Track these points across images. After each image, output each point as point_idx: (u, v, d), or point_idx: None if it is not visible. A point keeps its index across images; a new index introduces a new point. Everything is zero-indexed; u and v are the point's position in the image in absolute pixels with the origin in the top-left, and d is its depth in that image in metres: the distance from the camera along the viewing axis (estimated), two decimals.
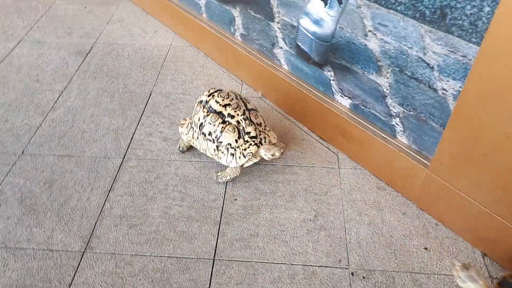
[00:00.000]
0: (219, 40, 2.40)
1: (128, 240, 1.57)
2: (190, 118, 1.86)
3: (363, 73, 1.70)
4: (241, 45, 2.29)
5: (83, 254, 1.53)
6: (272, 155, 1.70)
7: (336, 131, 1.92)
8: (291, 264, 1.51)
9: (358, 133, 1.82)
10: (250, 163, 1.76)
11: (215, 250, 1.54)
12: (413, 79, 1.53)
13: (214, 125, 1.72)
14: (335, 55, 1.78)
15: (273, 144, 1.77)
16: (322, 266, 1.51)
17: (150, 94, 2.27)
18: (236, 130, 1.70)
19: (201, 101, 1.80)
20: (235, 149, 1.71)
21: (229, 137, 1.70)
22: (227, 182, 1.78)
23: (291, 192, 1.76)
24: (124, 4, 3.15)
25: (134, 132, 2.03)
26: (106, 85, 2.34)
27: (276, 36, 2.05)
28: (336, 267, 1.50)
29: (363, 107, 1.79)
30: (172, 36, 2.77)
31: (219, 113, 1.73)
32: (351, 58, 1.71)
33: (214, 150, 1.75)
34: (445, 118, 1.48)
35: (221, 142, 1.72)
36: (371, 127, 1.78)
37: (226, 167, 1.78)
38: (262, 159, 1.76)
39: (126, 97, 2.25)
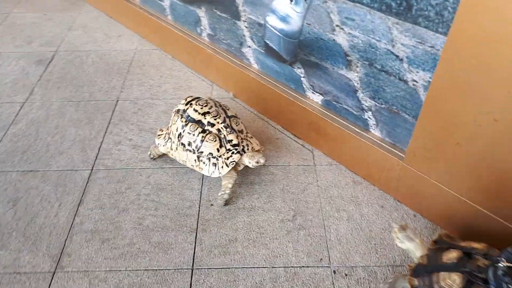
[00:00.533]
0: (186, 42, 2.34)
1: (101, 255, 1.50)
2: (167, 129, 1.79)
3: (333, 69, 1.68)
4: (209, 46, 2.24)
5: (53, 275, 1.45)
6: (257, 162, 1.63)
7: (310, 128, 1.90)
8: (272, 267, 1.47)
9: (332, 129, 1.80)
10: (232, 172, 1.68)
11: (193, 259, 1.49)
12: (383, 72, 1.52)
13: (194, 135, 1.64)
14: (304, 51, 1.76)
15: (257, 151, 1.70)
16: (303, 266, 1.48)
17: (117, 101, 2.19)
18: (217, 138, 1.64)
19: (178, 110, 1.73)
20: (217, 159, 1.64)
21: (210, 146, 1.63)
22: (228, 199, 1.66)
23: (268, 193, 1.72)
24: (86, 10, 3.04)
25: (102, 142, 1.95)
26: (70, 94, 2.24)
27: (244, 35, 2.01)
28: (317, 266, 1.48)
29: (335, 103, 1.77)
30: (137, 40, 2.69)
31: (198, 122, 1.66)
32: (320, 54, 1.69)
33: (195, 160, 1.67)
34: (417, 110, 1.48)
35: (201, 152, 1.64)
36: (344, 122, 1.76)
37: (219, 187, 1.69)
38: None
39: (92, 106, 2.16)
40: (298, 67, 1.83)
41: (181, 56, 2.47)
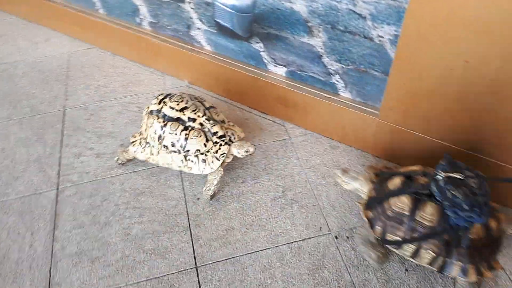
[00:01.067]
0: (125, 35, 2.18)
1: (95, 276, 1.39)
2: (141, 133, 1.66)
3: (294, 38, 1.65)
4: (153, 35, 2.10)
5: None
6: (246, 151, 1.55)
7: (278, 102, 1.87)
8: (276, 246, 1.45)
9: (300, 99, 1.78)
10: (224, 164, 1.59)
11: (194, 257, 1.43)
12: (347, 33, 1.51)
13: (176, 134, 1.53)
14: (260, 25, 1.70)
15: (242, 139, 1.62)
16: (305, 238, 1.48)
17: (64, 111, 2.01)
18: (201, 133, 1.53)
19: (151, 112, 1.60)
20: (205, 154, 1.54)
21: (196, 143, 1.53)
22: (213, 194, 1.58)
23: (252, 175, 1.68)
24: None
25: (60, 157, 1.78)
26: (8, 112, 2.01)
27: (191, 17, 1.91)
28: (319, 236, 1.48)
29: (300, 72, 1.75)
30: (68, 41, 2.46)
31: (178, 120, 1.55)
32: (279, 24, 1.65)
33: (182, 161, 1.56)
34: (386, 65, 1.50)
35: (188, 150, 1.54)
36: (312, 90, 1.75)
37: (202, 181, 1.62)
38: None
39: (37, 121, 1.96)
40: (256, 42, 1.78)
41: (122, 50, 2.30)
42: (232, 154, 1.58)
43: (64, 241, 1.49)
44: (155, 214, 1.56)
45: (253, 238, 1.48)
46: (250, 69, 1.87)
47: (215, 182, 1.56)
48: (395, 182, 1.32)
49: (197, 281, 1.37)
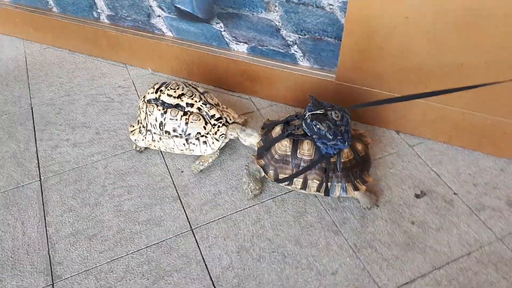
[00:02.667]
0: (82, 31, 2.22)
1: (95, 251, 1.45)
2: (139, 122, 1.73)
3: (253, 15, 1.80)
4: (113, 27, 2.16)
5: (53, 287, 1.37)
6: (248, 135, 1.64)
7: (243, 78, 2.01)
8: (262, 202, 1.59)
9: (263, 72, 1.94)
10: (223, 144, 1.70)
11: (188, 221, 1.53)
12: (300, 5, 1.68)
13: (177, 120, 1.62)
14: (220, 5, 1.83)
15: (237, 121, 1.74)
16: (287, 192, 1.62)
17: (31, 108, 2.01)
18: (200, 117, 1.63)
19: (149, 100, 1.67)
20: (205, 136, 1.65)
21: (196, 126, 1.63)
22: (203, 169, 1.68)
23: (229, 145, 1.81)
24: None
25: (37, 150, 1.80)
26: None
27: (150, 6, 1.99)
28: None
29: (260, 47, 1.90)
30: (21, 43, 2.44)
31: (177, 106, 1.63)
32: (237, 3, 1.79)
33: (184, 144, 1.66)
34: (338, 31, 1.69)
35: (189, 134, 1.64)
36: (274, 62, 1.91)
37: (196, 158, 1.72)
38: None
39: (4, 120, 1.95)
40: (217, 22, 1.90)
41: (81, 47, 2.32)
42: (229, 135, 1.68)
43: (57, 225, 1.53)
44: (143, 190, 1.64)
45: (239, 198, 1.61)
46: (213, 49, 1.99)
47: (210, 160, 1.68)
48: (276, 130, 1.53)
49: (195, 241, 1.47)
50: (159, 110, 1.63)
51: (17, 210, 1.58)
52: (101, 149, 1.80)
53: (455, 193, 1.61)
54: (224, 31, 1.92)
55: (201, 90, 1.73)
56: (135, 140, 1.72)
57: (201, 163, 1.68)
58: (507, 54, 1.44)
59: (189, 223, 1.53)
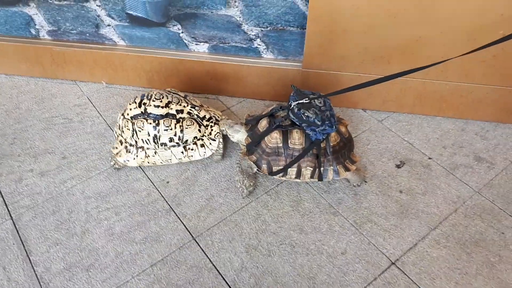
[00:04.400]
0: (21, 50, 2.03)
1: (97, 281, 1.35)
2: (122, 142, 1.62)
3: (212, 12, 1.77)
4: (55, 43, 2.00)
5: None
6: (235, 130, 1.61)
7: (207, 78, 1.97)
8: (257, 198, 1.58)
9: (227, 70, 1.92)
10: (220, 144, 1.66)
11: (188, 231, 1.48)
12: None
13: (172, 129, 1.55)
14: (176, 7, 1.77)
15: (223, 117, 1.71)
16: (279, 183, 1.64)
17: None
18: (193, 121, 1.58)
19: (134, 117, 1.56)
20: (202, 139, 1.61)
21: (191, 131, 1.57)
22: (221, 157, 1.69)
23: None
24: None
25: None
26: None
27: (98, 15, 1.88)
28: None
29: (222, 45, 1.88)
30: None
31: (167, 115, 1.55)
32: (195, 2, 1.74)
33: (182, 152, 1.59)
34: (300, 19, 1.72)
35: (186, 140, 1.58)
36: (237, 58, 1.90)
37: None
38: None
39: None
40: (174, 25, 1.84)
41: (20, 69, 2.12)
42: (222, 131, 1.66)
43: (45, 263, 1.40)
44: (132, 208, 1.55)
45: (234, 198, 1.59)
46: (171, 53, 1.93)
47: (221, 145, 1.66)
48: (263, 124, 1.54)
49: (200, 249, 1.43)
50: (150, 123, 1.55)
51: None
52: (73, 174, 1.67)
53: (429, 158, 1.73)
54: (182, 32, 1.87)
55: (182, 95, 1.68)
56: (124, 161, 1.62)
57: (218, 152, 1.66)
58: (458, 24, 1.57)
59: (189, 232, 1.48)
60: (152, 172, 1.68)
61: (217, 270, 1.38)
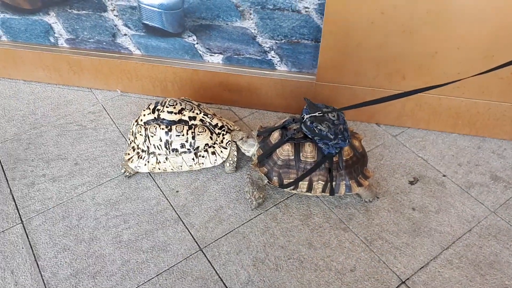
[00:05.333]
0: (39, 57, 2.07)
1: None
2: (135, 148, 1.64)
3: (227, 24, 1.78)
4: (73, 51, 2.04)
5: None
6: (246, 142, 1.62)
7: (220, 89, 1.98)
8: (266, 210, 1.57)
9: (241, 81, 1.92)
10: (232, 151, 1.67)
11: (196, 241, 1.47)
12: (276, 10, 1.69)
13: (184, 135, 1.56)
14: (192, 18, 1.79)
15: (236, 128, 1.74)
16: (289, 197, 1.62)
17: None
18: (205, 128, 1.59)
19: (147, 122, 1.58)
20: (213, 147, 1.61)
21: (203, 137, 1.58)
22: (234, 169, 1.69)
23: None
24: None
25: (11, 191, 1.65)
26: None
27: (115, 25, 1.91)
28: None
29: (237, 56, 1.89)
30: None
31: (180, 121, 1.57)
32: (210, 14, 1.76)
33: (193, 159, 1.60)
34: (314, 32, 1.72)
35: (197, 147, 1.59)
36: (251, 70, 1.90)
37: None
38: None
39: None
40: (189, 36, 1.86)
41: (38, 75, 2.17)
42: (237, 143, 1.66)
43: (53, 268, 1.40)
44: (140, 216, 1.55)
45: (243, 209, 1.57)
46: (186, 63, 1.94)
47: (235, 155, 1.66)
48: (275, 136, 1.52)
49: (207, 260, 1.42)
50: (163, 129, 1.56)
51: (3, 259, 1.43)
52: (84, 180, 1.69)
53: (444, 175, 1.69)
54: (197, 43, 1.88)
55: (196, 103, 1.69)
56: (135, 167, 1.63)
57: (231, 164, 1.67)
58: (475, 41, 1.54)
59: (196, 243, 1.47)
60: (162, 181, 1.68)
61: (223, 282, 1.36)
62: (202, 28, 1.81)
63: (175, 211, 1.57)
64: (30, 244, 1.47)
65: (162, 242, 1.47)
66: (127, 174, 1.67)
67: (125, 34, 1.93)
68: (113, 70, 2.03)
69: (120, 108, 2.04)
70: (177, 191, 1.64)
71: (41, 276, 1.38)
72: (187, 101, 1.66)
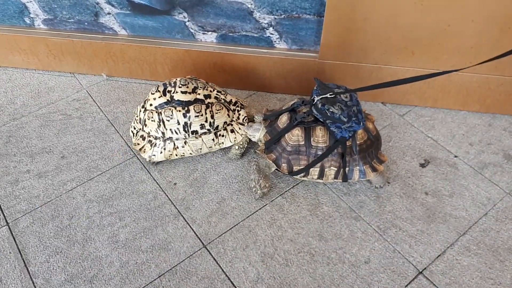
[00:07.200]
0: (15, 40, 1.89)
1: None
2: (145, 137, 1.51)
3: None
4: (53, 33, 1.86)
5: None
6: (259, 139, 1.51)
7: (215, 70, 1.84)
8: (271, 201, 1.47)
9: (237, 61, 1.78)
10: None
11: (199, 238, 1.37)
12: None
13: (203, 114, 1.45)
14: None
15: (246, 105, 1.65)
16: (294, 185, 1.52)
17: None
18: (222, 106, 1.49)
19: (160, 106, 1.44)
20: (231, 124, 1.52)
21: (221, 115, 1.49)
22: (240, 155, 1.59)
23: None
24: None
25: None
26: None
27: (97, 3, 1.74)
28: (302, 180, 1.54)
29: (232, 34, 1.74)
30: None
31: (196, 101, 1.45)
32: None
33: (213, 140, 1.50)
34: (317, 6, 1.58)
35: (217, 126, 1.49)
36: (248, 49, 1.77)
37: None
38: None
39: None
40: (179, 13, 1.71)
41: (14, 60, 1.99)
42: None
43: (45, 273, 1.29)
44: (137, 213, 1.44)
45: (247, 201, 1.47)
46: (177, 43, 1.79)
47: (247, 139, 1.58)
48: (283, 120, 1.41)
49: (212, 258, 1.32)
50: (180, 111, 1.43)
51: None
52: (73, 175, 1.56)
53: (455, 156, 1.61)
54: (188, 21, 1.73)
55: (204, 81, 1.57)
56: (150, 156, 1.51)
57: (239, 148, 1.56)
58: (490, 12, 1.43)
59: (200, 240, 1.37)
60: (158, 173, 1.56)
61: (231, 281, 1.27)
62: (193, 4, 1.66)
63: (174, 205, 1.46)
64: (18, 248, 1.36)
65: (162, 240, 1.37)
66: (153, 161, 1.56)
67: (109, 13, 1.77)
68: (97, 53, 1.87)
69: (107, 93, 1.89)
70: (175, 184, 1.53)
71: (33, 283, 1.27)
72: (196, 80, 1.53)
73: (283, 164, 1.41)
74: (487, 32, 1.48)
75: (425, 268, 1.30)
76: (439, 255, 1.33)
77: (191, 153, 1.52)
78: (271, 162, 1.42)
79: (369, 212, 1.44)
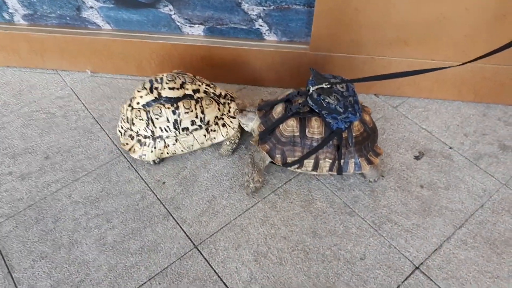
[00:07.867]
0: None
1: None
2: (133, 136, 1.45)
3: None
4: (34, 29, 1.80)
5: None
6: (253, 129, 1.49)
7: (203, 64, 1.78)
8: (263, 198, 1.43)
9: (226, 54, 1.73)
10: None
11: (189, 238, 1.33)
12: None
13: (193, 111, 1.40)
14: None
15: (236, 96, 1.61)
16: (287, 181, 1.48)
17: None
18: (212, 100, 1.44)
19: (148, 104, 1.38)
20: (222, 118, 1.47)
21: (212, 110, 1.44)
22: (232, 151, 1.55)
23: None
24: None
25: None
26: None
27: None
28: (296, 175, 1.50)
29: (219, 26, 1.69)
30: None
31: (185, 97, 1.40)
32: None
33: (205, 135, 1.45)
34: None
35: (208, 121, 1.44)
36: (236, 42, 1.72)
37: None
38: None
39: None
40: (164, 5, 1.65)
41: None
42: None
43: (30, 280, 1.24)
44: (125, 214, 1.39)
45: (238, 199, 1.43)
46: (163, 37, 1.74)
47: (237, 136, 1.54)
48: (278, 110, 1.37)
49: (204, 259, 1.28)
50: (169, 108, 1.38)
51: None
52: (57, 176, 1.50)
53: (450, 147, 1.58)
54: (174, 14, 1.67)
55: (191, 75, 1.52)
56: (140, 156, 1.46)
57: (230, 144, 1.52)
58: (485, 0, 1.40)
59: (190, 240, 1.33)
60: (146, 172, 1.51)
61: (223, 282, 1.23)
62: None
63: (163, 205, 1.42)
64: (1, 253, 1.30)
65: (152, 242, 1.32)
66: (157, 161, 1.52)
67: (91, 7, 1.70)
68: (81, 49, 1.81)
69: (91, 90, 1.83)
70: (164, 182, 1.48)
71: None
72: (181, 74, 1.47)
73: (277, 155, 1.37)
74: (482, 20, 1.45)
75: (421, 263, 1.27)
76: (435, 249, 1.30)
77: (182, 151, 1.47)
78: (265, 154, 1.37)
79: (363, 207, 1.41)
